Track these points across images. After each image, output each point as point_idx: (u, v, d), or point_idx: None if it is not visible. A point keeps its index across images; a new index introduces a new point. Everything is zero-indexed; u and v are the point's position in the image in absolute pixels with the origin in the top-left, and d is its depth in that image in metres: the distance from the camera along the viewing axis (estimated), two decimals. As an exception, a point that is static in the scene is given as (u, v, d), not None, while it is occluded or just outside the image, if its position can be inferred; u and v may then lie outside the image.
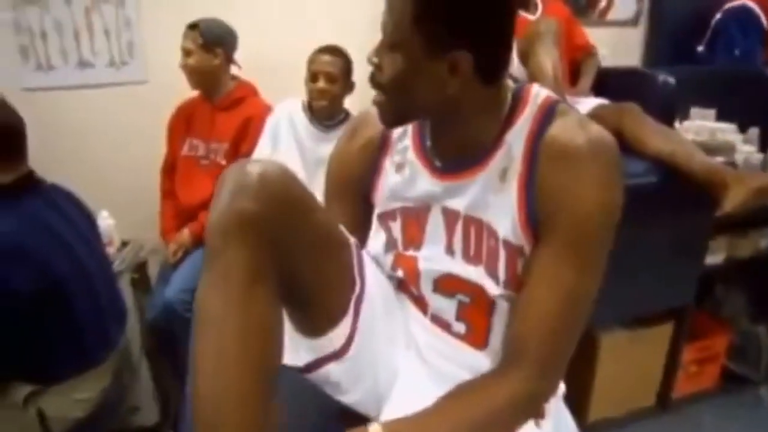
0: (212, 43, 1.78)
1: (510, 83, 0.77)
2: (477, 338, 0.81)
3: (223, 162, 1.84)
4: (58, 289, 1.15)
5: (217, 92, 1.88)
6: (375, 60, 0.73)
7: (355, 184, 0.91)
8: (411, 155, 0.83)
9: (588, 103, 1.91)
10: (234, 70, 1.94)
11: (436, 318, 0.84)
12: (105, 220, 2.03)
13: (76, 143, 2.14)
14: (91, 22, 1.98)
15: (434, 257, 0.82)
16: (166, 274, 1.90)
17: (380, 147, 0.87)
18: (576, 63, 2.26)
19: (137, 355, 1.90)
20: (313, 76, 1.75)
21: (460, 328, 0.82)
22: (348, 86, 1.80)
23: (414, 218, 0.84)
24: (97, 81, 2.06)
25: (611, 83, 2.19)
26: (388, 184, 0.85)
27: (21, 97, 2.03)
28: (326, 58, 1.74)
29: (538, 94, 0.75)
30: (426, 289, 0.84)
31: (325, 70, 1.73)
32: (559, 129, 0.71)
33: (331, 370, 0.76)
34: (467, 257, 0.79)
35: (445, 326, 0.83)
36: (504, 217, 0.74)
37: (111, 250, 2.01)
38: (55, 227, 1.19)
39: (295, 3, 2.20)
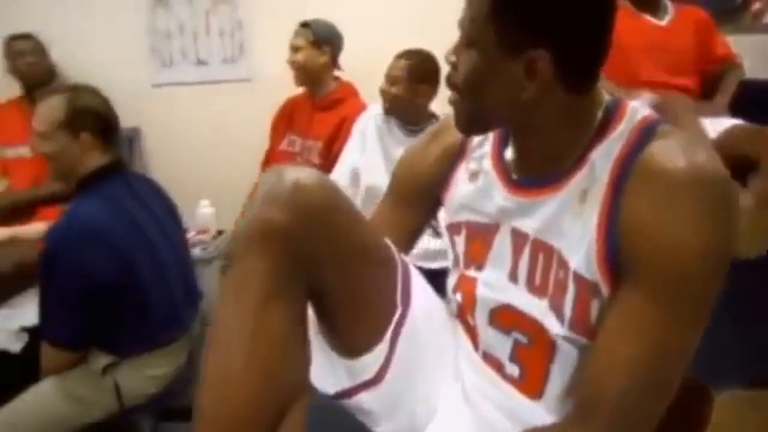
0: (321, 41, 1.84)
1: (605, 95, 0.66)
2: (532, 385, 0.69)
3: (317, 160, 1.88)
4: (129, 272, 1.21)
5: (319, 91, 1.93)
6: (452, 59, 0.68)
7: (425, 190, 0.85)
8: (487, 164, 0.75)
9: (720, 123, 1.63)
10: (336, 72, 1.98)
11: (488, 356, 0.74)
12: (204, 209, 2.19)
13: (188, 134, 2.34)
14: (209, 23, 2.13)
15: (495, 282, 0.73)
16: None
17: (458, 154, 0.81)
18: (713, 75, 1.95)
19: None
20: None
21: (513, 371, 0.71)
22: (416, 90, 1.73)
23: (480, 234, 0.76)
24: (212, 78, 2.22)
25: (755, 99, 1.86)
26: (459, 193, 0.79)
27: (150, 92, 2.30)
28: (396, 60, 1.73)
29: (637, 111, 0.64)
30: (481, 320, 0.75)
31: (388, 72, 1.72)
32: (656, 150, 0.58)
33: (364, 398, 0.70)
34: (531, 287, 0.70)
35: (497, 367, 0.73)
36: (579, 246, 0.63)
37: (206, 238, 2.16)
38: (132, 213, 1.26)
39: (402, 7, 2.19)
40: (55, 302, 1.17)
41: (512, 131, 0.72)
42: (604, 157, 0.62)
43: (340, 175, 1.73)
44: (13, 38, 2.07)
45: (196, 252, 2.04)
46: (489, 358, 0.74)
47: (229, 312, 0.61)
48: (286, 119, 2.01)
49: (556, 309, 0.66)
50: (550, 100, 0.62)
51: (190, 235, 2.18)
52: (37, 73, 2.06)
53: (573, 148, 0.65)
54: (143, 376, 1.30)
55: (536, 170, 0.69)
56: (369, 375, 0.69)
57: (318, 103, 1.94)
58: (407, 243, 0.86)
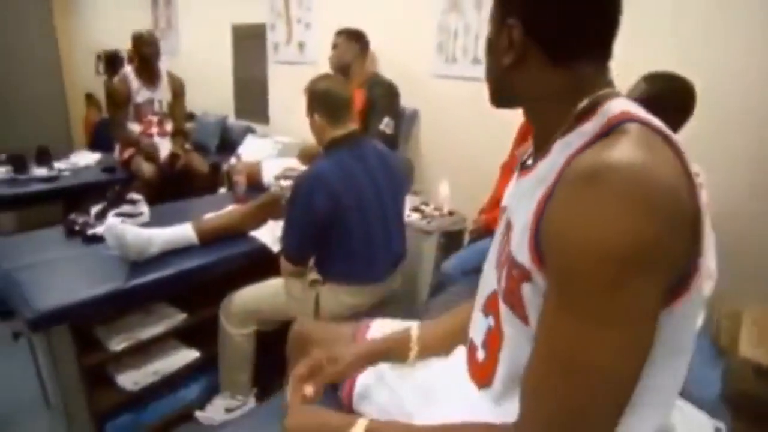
0: None
1: (600, 88, 0.64)
2: (487, 371, 0.74)
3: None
4: (340, 214, 1.55)
5: None
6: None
7: None
8: (528, 151, 0.79)
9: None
10: None
11: (471, 343, 0.82)
12: (444, 188, 2.46)
13: (453, 122, 2.62)
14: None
15: (488, 270, 0.79)
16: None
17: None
18: None
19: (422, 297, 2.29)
20: None
21: (481, 354, 0.77)
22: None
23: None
24: (484, 76, 2.40)
25: None
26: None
27: (431, 81, 2.67)
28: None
29: (614, 107, 0.60)
30: (478, 307, 0.81)
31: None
32: (590, 150, 0.56)
33: None
34: (497, 263, 0.75)
35: (473, 353, 0.80)
36: (520, 226, 0.66)
37: (436, 213, 2.43)
38: (354, 172, 1.58)
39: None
40: (290, 226, 1.60)
41: (516, 104, 0.73)
42: (562, 150, 0.61)
43: None
44: (337, 32, 2.72)
45: (423, 223, 2.34)
46: (471, 345, 0.82)
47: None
48: (528, 126, 2.03)
49: (499, 277, 0.71)
50: (531, 68, 0.65)
51: (428, 208, 2.50)
52: (343, 61, 2.68)
53: (554, 130, 0.65)
54: (337, 299, 1.66)
55: (536, 152, 0.72)
56: None
57: None
58: None
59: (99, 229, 1.79)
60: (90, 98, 5.18)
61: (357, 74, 2.69)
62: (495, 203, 2.08)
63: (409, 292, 2.17)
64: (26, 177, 2.83)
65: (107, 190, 2.09)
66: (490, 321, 0.75)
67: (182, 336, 1.84)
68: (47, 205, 2.95)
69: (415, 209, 2.48)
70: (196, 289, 1.78)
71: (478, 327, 0.79)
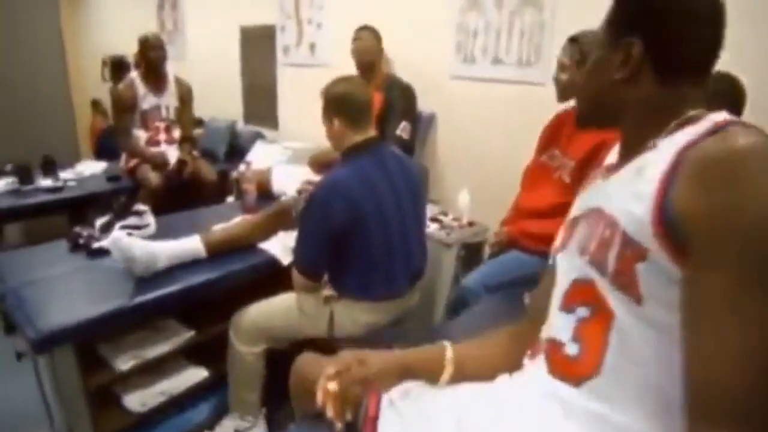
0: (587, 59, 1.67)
1: (699, 109, 0.70)
2: (589, 362, 0.71)
3: (567, 180, 1.76)
4: (359, 225, 1.46)
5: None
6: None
7: None
8: (611, 158, 0.85)
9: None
10: None
11: (551, 341, 0.79)
12: (463, 198, 2.35)
13: (473, 126, 2.51)
14: (512, 24, 2.20)
15: (569, 262, 0.80)
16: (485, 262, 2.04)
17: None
18: None
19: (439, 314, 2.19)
20: None
21: (572, 349, 0.74)
22: None
23: (571, 225, 0.85)
24: (505, 77, 2.30)
25: None
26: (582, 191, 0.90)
27: (448, 83, 2.56)
28: None
29: (720, 115, 0.67)
30: (555, 305, 0.81)
31: None
32: (716, 138, 0.62)
33: None
34: (582, 250, 0.76)
35: (554, 350, 0.77)
36: (629, 208, 0.67)
37: (455, 224, 2.33)
38: (374, 180, 1.49)
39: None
40: (305, 238, 1.51)
41: (612, 117, 0.79)
42: (668, 144, 0.67)
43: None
44: (359, 28, 2.62)
45: (441, 234, 2.23)
46: (551, 345, 0.78)
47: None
48: (554, 131, 1.93)
49: (598, 263, 0.71)
50: (642, 84, 0.72)
51: (447, 218, 2.39)
52: (370, 55, 2.57)
53: (652, 137, 0.70)
54: (352, 316, 1.57)
55: (623, 157, 0.77)
56: None
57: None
58: None
59: (104, 242, 1.71)
60: (96, 105, 5.12)
61: (377, 75, 2.59)
62: (518, 214, 1.97)
63: (425, 307, 2.06)
64: (31, 188, 2.77)
65: (112, 200, 2.02)
66: (581, 312, 0.74)
67: (190, 354, 1.76)
68: (53, 215, 2.89)
69: (434, 219, 2.36)
70: (204, 305, 1.70)
71: (560, 325, 0.78)
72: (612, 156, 0.86)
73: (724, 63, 1.33)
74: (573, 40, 1.71)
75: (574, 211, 0.87)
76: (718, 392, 0.56)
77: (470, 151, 2.54)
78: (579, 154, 1.74)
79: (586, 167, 1.70)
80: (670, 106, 0.71)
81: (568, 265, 0.80)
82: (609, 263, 0.69)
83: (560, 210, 1.71)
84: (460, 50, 2.44)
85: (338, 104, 1.52)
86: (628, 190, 0.69)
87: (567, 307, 0.77)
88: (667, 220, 0.61)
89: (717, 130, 0.63)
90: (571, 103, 1.82)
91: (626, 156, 0.76)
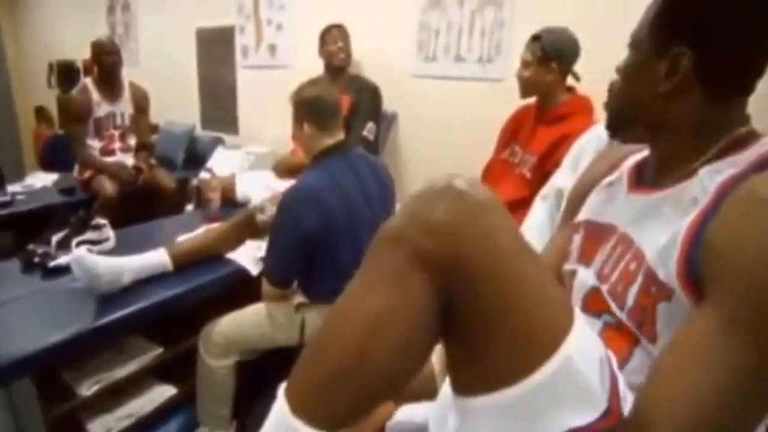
0: (550, 56, 1.70)
1: (745, 125, 0.67)
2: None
3: (528, 175, 1.79)
4: (331, 230, 1.44)
5: (547, 103, 1.81)
6: (619, 66, 0.75)
7: (576, 201, 0.90)
8: (625, 171, 0.80)
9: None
10: (573, 82, 1.82)
11: None
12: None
13: (435, 124, 2.52)
14: (474, 23, 2.22)
15: (589, 272, 0.77)
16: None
17: (615, 165, 0.85)
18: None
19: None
20: None
21: None
22: None
23: (597, 233, 0.79)
24: (466, 75, 2.32)
25: None
26: (592, 197, 0.85)
27: (410, 81, 2.57)
28: None
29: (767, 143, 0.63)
30: (577, 306, 0.76)
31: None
32: (758, 177, 0.58)
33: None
34: (600, 274, 0.74)
35: None
36: (659, 246, 0.63)
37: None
38: (344, 185, 1.48)
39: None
40: (274, 246, 1.48)
41: (650, 133, 0.73)
42: (711, 174, 0.62)
43: (545, 194, 1.62)
44: (330, 26, 2.57)
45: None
46: None
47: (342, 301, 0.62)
48: (514, 127, 1.96)
49: (615, 295, 0.68)
50: (687, 101, 0.66)
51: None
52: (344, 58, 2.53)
53: (692, 160, 0.66)
54: (326, 322, 1.54)
55: (656, 174, 0.72)
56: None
57: (543, 116, 1.82)
58: None
59: (62, 260, 1.62)
60: (40, 112, 4.84)
61: (344, 76, 2.56)
62: None
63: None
64: (-27, 203, 2.59)
65: (69, 214, 1.91)
66: (607, 318, 0.71)
67: (158, 371, 1.68)
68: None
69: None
70: (172, 320, 1.63)
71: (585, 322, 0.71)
72: (633, 159, 0.81)
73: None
74: (536, 38, 1.74)
75: (589, 213, 0.82)
76: (660, 416, 0.55)
77: (432, 147, 2.56)
78: (540, 149, 1.77)
79: (547, 162, 1.74)
80: (714, 126, 0.66)
81: (586, 277, 0.77)
82: (628, 299, 0.66)
83: (521, 205, 1.75)
84: (422, 49, 2.44)
85: (308, 108, 1.50)
86: (662, 225, 0.64)
87: (592, 310, 0.74)
88: (692, 259, 0.58)
89: (764, 161, 0.60)
90: (532, 99, 1.87)
91: (661, 174, 0.71)
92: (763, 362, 0.51)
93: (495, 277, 0.57)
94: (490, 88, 2.26)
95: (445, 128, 2.48)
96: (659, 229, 0.64)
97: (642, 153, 0.80)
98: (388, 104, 2.62)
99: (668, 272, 0.61)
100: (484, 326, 0.58)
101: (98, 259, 1.46)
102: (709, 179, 0.62)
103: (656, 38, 0.67)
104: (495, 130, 2.00)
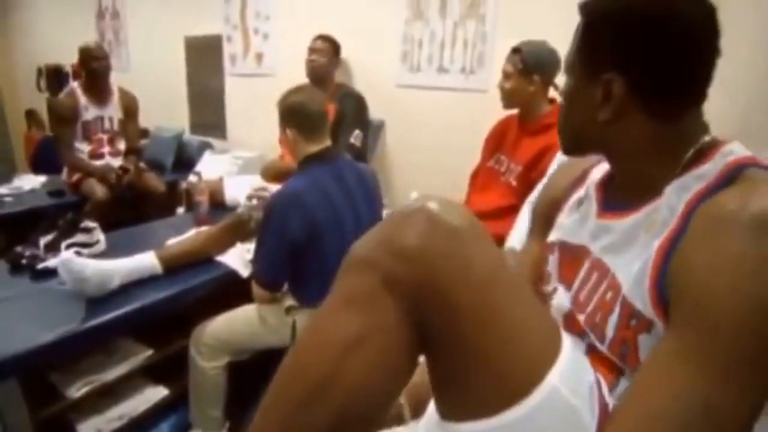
0: (531, 69, 1.76)
1: (704, 134, 0.64)
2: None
3: (514, 183, 1.84)
4: (316, 236, 1.48)
5: (529, 116, 1.87)
6: (562, 88, 0.74)
7: (544, 218, 0.88)
8: (592, 190, 0.77)
9: None
10: (553, 93, 1.88)
11: None
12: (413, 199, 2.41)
13: (419, 134, 2.59)
14: (456, 35, 2.29)
15: (567, 294, 0.75)
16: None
17: (578, 181, 0.83)
18: None
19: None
20: None
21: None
22: None
23: (571, 255, 0.76)
24: (449, 85, 2.39)
25: None
26: (564, 216, 0.82)
27: (394, 91, 2.63)
28: None
29: (732, 152, 0.60)
30: (558, 320, 0.75)
31: None
32: (725, 195, 0.55)
33: None
34: (575, 302, 0.71)
35: None
36: (634, 274, 0.61)
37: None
38: (330, 191, 1.52)
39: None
40: (261, 250, 1.52)
41: (605, 156, 0.72)
42: (678, 192, 0.60)
43: (533, 200, 1.68)
44: (317, 37, 2.63)
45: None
46: None
47: (313, 323, 0.61)
48: (499, 137, 2.01)
49: (593, 327, 0.66)
50: (632, 124, 0.63)
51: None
52: (325, 69, 2.59)
53: (659, 179, 0.62)
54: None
55: (624, 196, 0.69)
56: None
57: (527, 127, 1.87)
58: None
59: (51, 262, 1.64)
60: (31, 115, 4.85)
61: (330, 85, 2.62)
62: None
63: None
64: (-38, 206, 2.60)
65: (58, 216, 1.93)
66: (590, 341, 0.67)
67: (149, 373, 1.71)
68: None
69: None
70: (162, 322, 1.66)
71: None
72: (598, 170, 0.78)
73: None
74: (516, 50, 1.80)
75: (562, 234, 0.79)
76: None
77: (418, 154, 2.63)
78: (525, 159, 1.83)
79: (532, 172, 1.80)
80: (672, 142, 0.62)
81: (564, 300, 0.74)
82: (608, 331, 0.63)
83: (508, 212, 1.81)
84: (406, 60, 2.51)
85: (291, 115, 1.54)
86: (636, 253, 0.61)
87: (572, 332, 0.70)
88: (661, 285, 0.56)
89: (730, 173, 0.57)
90: (515, 111, 1.93)
91: (627, 193, 0.67)
92: (715, 391, 0.49)
93: (471, 307, 0.55)
94: (474, 98, 2.33)
95: (432, 136, 2.54)
96: (634, 256, 0.62)
97: (599, 169, 0.79)
98: (375, 113, 2.68)
99: (644, 302, 0.58)
100: (463, 356, 0.56)
101: (86, 262, 1.47)
102: (676, 197, 0.59)
103: (584, 65, 0.65)
104: (481, 138, 2.06)
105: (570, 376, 0.57)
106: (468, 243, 0.56)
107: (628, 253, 0.63)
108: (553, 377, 0.55)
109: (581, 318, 0.68)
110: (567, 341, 0.61)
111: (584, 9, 0.66)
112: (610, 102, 0.62)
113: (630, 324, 0.60)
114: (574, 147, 0.73)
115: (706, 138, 0.62)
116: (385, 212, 2.47)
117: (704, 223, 0.54)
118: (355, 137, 2.43)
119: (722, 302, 0.49)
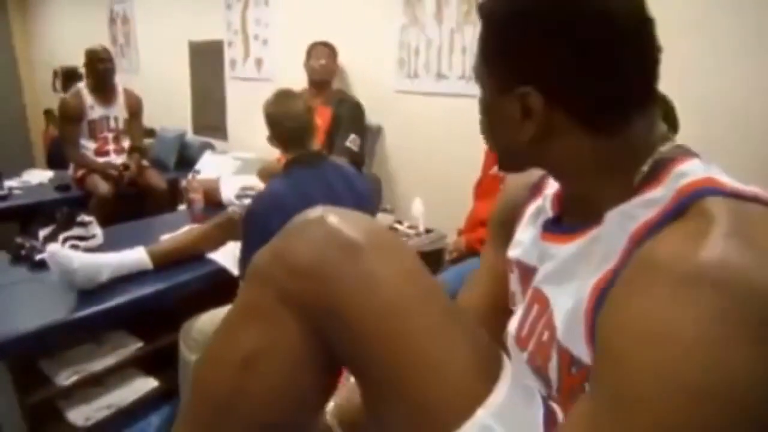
0: None
1: (660, 147, 0.51)
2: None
3: (508, 189, 1.85)
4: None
5: None
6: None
7: (501, 227, 0.77)
8: (548, 200, 0.65)
9: None
10: None
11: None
12: (417, 207, 2.42)
13: (419, 139, 2.61)
14: (453, 41, 2.31)
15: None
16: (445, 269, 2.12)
17: (534, 189, 0.72)
18: None
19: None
20: None
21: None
22: None
23: (527, 276, 0.66)
24: (448, 91, 2.41)
25: None
26: (521, 229, 0.70)
27: (393, 97, 2.67)
28: None
29: (685, 174, 0.47)
30: (512, 346, 0.66)
31: None
32: (670, 234, 0.43)
33: None
34: (518, 335, 0.62)
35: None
36: (568, 314, 0.52)
37: (412, 232, 2.41)
38: (312, 194, 1.51)
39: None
40: (245, 250, 1.54)
41: (547, 172, 0.63)
42: (621, 221, 0.49)
43: None
44: (316, 43, 2.69)
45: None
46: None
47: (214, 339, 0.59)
48: None
49: (538, 369, 0.57)
50: (566, 141, 0.52)
51: (402, 227, 2.47)
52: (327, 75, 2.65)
53: (608, 201, 0.51)
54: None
55: (574, 215, 0.58)
56: None
57: None
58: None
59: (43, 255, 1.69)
60: (49, 114, 5.09)
61: (328, 91, 2.66)
62: (474, 223, 2.04)
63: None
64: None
65: (55, 210, 1.98)
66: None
67: (140, 365, 1.75)
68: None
69: (390, 228, 2.43)
70: (153, 315, 1.70)
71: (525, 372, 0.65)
72: (546, 197, 0.67)
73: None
74: None
75: (519, 252, 0.68)
76: None
77: (420, 161, 2.65)
78: None
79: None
80: (618, 160, 0.52)
81: (510, 327, 0.67)
82: (551, 377, 0.55)
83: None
84: (403, 66, 2.54)
85: (271, 126, 1.58)
86: (572, 287, 0.53)
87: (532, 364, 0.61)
88: (593, 331, 0.48)
89: (681, 202, 0.45)
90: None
91: (573, 212, 0.59)
92: None
93: (377, 334, 0.50)
94: (474, 104, 2.30)
95: (431, 141, 2.56)
96: (570, 293, 0.53)
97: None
98: (373, 118, 2.71)
99: (581, 349, 0.50)
100: (375, 384, 0.52)
101: (73, 254, 1.50)
102: (618, 228, 0.49)
103: (493, 77, 0.55)
104: (480, 143, 2.03)
105: (509, 412, 0.49)
106: (369, 258, 0.52)
107: (568, 285, 0.53)
108: (484, 413, 0.48)
109: (524, 357, 0.60)
110: (509, 370, 0.53)
111: (482, 11, 0.55)
112: (532, 117, 0.51)
113: (571, 372, 0.51)
114: (510, 165, 0.64)
115: (662, 149, 0.51)
116: (389, 216, 2.50)
117: (635, 267, 0.44)
118: (352, 141, 2.46)
119: (625, 369, 0.39)
